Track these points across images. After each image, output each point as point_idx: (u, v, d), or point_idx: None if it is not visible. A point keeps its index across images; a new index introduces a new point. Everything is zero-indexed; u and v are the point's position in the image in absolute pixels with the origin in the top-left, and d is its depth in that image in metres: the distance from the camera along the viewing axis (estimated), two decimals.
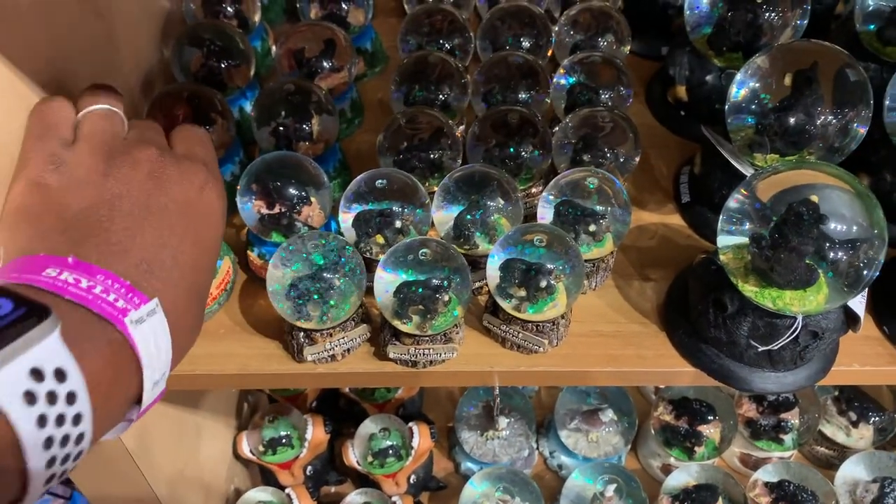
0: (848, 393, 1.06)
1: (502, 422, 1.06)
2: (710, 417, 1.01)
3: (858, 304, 0.58)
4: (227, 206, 0.49)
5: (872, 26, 0.72)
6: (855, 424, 1.05)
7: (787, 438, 1.03)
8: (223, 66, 0.73)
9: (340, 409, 1.13)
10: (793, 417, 1.03)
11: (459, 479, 1.10)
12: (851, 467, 1.02)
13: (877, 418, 1.04)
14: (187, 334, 0.44)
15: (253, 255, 0.65)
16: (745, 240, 0.57)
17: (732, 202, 0.57)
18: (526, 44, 0.77)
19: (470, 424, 1.09)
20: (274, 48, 0.83)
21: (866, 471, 1.02)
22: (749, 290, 0.56)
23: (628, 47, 0.77)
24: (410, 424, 1.00)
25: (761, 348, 0.58)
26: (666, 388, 1.06)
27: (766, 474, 1.00)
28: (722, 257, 0.57)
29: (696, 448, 1.01)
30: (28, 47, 0.49)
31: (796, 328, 0.57)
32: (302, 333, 0.60)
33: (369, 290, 0.60)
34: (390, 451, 0.98)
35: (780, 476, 0.99)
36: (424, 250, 0.59)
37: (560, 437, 1.07)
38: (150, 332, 0.38)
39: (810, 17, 0.70)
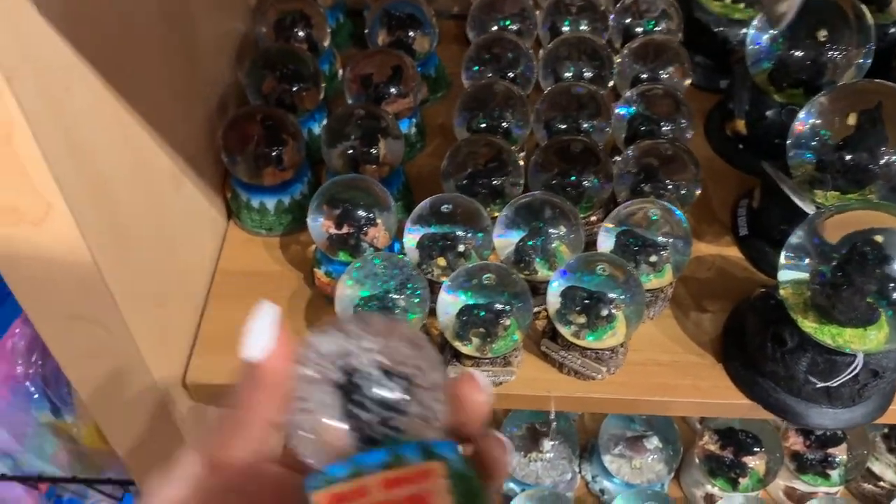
0: None
1: (546, 444, 1.07)
2: (755, 449, 1.01)
3: None
4: None
5: None
6: None
7: (834, 474, 1.02)
8: (294, 89, 0.75)
9: None
10: (840, 453, 1.02)
11: (502, 499, 1.11)
12: None
13: None
14: None
15: (320, 272, 0.67)
16: (806, 276, 0.57)
17: (794, 239, 0.57)
18: (588, 74, 0.78)
19: (514, 445, 1.10)
20: (341, 72, 0.86)
21: None
22: (809, 325, 0.57)
23: (689, 80, 0.78)
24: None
25: (820, 384, 0.59)
26: (712, 418, 1.06)
27: None
28: (782, 292, 0.58)
29: (741, 479, 1.01)
30: (118, 66, 0.51)
31: (857, 366, 0.57)
32: None
33: (432, 312, 0.62)
34: None
35: None
36: (488, 275, 0.60)
37: (603, 461, 1.07)
38: None
39: (879, 52, 0.70)
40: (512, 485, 1.09)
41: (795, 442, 1.04)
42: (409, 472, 0.30)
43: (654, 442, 1.06)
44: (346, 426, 0.30)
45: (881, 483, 1.05)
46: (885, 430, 1.06)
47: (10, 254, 0.47)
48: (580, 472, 1.12)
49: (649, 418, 1.11)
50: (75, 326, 0.53)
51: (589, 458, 1.12)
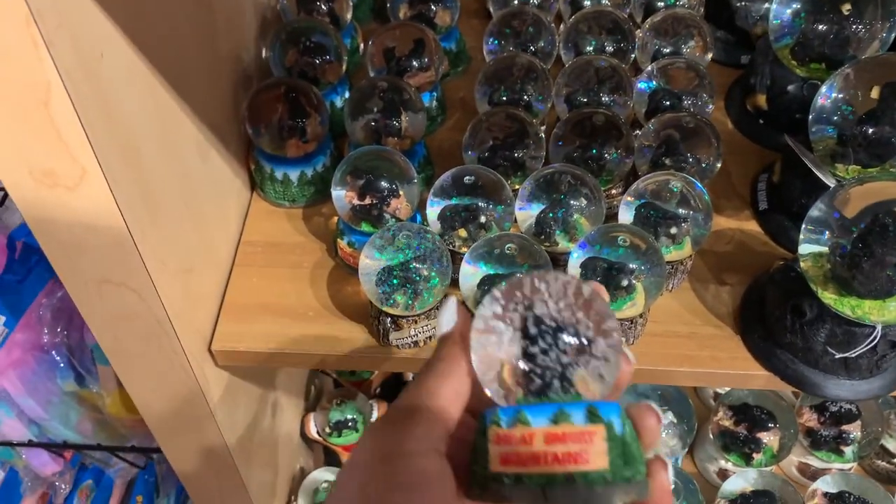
0: None
1: None
2: (769, 424, 1.02)
3: None
4: None
5: None
6: None
7: (848, 451, 1.03)
8: (317, 62, 0.76)
9: None
10: (855, 430, 1.03)
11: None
12: None
13: None
14: None
15: (343, 242, 0.68)
16: (826, 249, 0.58)
17: (815, 212, 0.58)
18: (609, 48, 0.78)
19: None
20: (362, 46, 0.87)
21: None
22: (828, 297, 0.57)
23: (710, 55, 0.78)
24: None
25: (838, 355, 0.59)
26: (726, 394, 1.07)
27: (826, 485, 1.00)
28: (802, 264, 0.58)
29: (755, 454, 1.01)
30: (149, 35, 0.52)
31: (875, 337, 0.57)
32: (389, 319, 0.63)
33: (454, 282, 0.63)
34: None
35: (841, 487, 0.99)
36: (510, 245, 0.61)
37: None
38: None
39: None
40: None
41: (809, 418, 1.05)
42: (572, 430, 0.32)
43: (668, 417, 1.07)
44: (525, 367, 0.34)
45: (895, 460, 1.06)
46: None
47: (46, 217, 0.48)
48: None
49: (664, 394, 1.11)
50: (106, 290, 0.54)
51: None
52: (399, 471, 0.33)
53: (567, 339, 0.34)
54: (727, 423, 1.04)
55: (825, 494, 0.99)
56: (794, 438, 1.01)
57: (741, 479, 1.02)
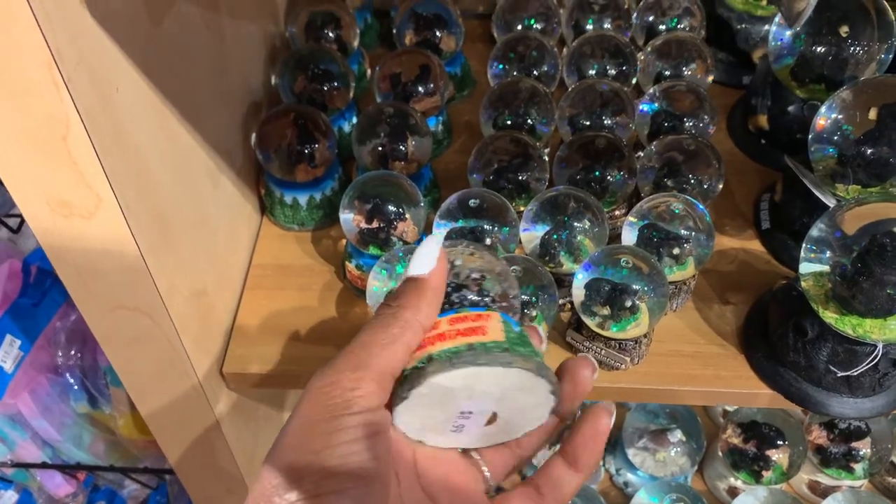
0: None
1: None
2: (778, 442, 1.02)
3: None
4: None
5: None
6: None
7: (858, 468, 1.03)
8: (325, 88, 0.78)
9: None
10: (864, 447, 1.03)
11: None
12: None
13: None
14: None
15: (351, 265, 0.69)
16: (827, 268, 0.58)
17: (815, 231, 0.59)
18: (611, 71, 0.80)
19: None
20: (369, 72, 0.88)
21: None
22: (829, 316, 0.58)
23: (712, 77, 0.79)
24: None
25: (840, 374, 0.60)
26: (735, 412, 1.07)
27: (835, 502, 1.00)
28: (803, 284, 0.59)
29: (764, 472, 1.02)
30: (162, 67, 0.54)
31: (876, 355, 0.58)
32: None
33: None
34: None
35: None
36: (514, 267, 0.62)
37: (627, 454, 1.09)
38: None
39: None
40: None
41: (819, 436, 1.05)
42: (471, 314, 0.39)
43: (677, 435, 1.07)
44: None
45: None
46: None
47: (62, 245, 0.50)
48: (604, 464, 1.14)
49: (673, 412, 1.12)
50: (121, 316, 0.55)
51: (613, 451, 1.13)
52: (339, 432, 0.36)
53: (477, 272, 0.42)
54: (736, 441, 1.04)
55: None
56: (803, 456, 1.01)
57: (751, 497, 1.02)
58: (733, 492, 1.06)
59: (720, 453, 1.04)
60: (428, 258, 0.39)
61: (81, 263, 0.51)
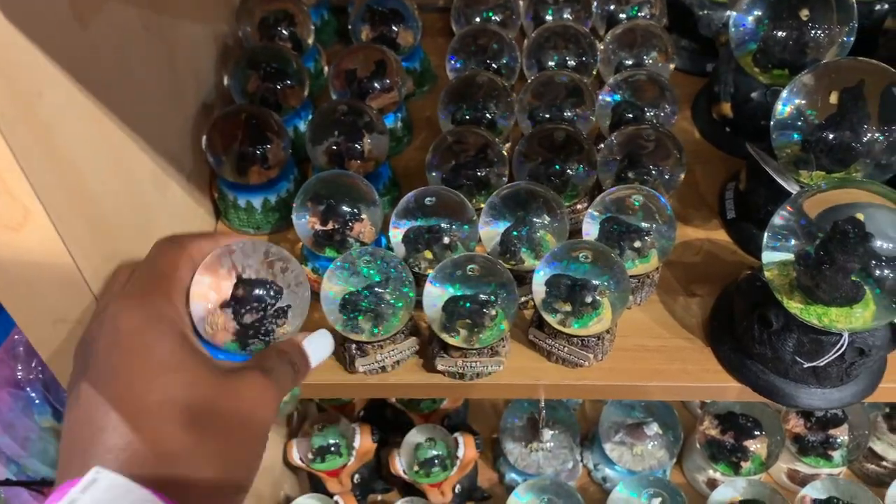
0: None
1: (547, 434, 1.07)
2: (756, 432, 1.01)
3: None
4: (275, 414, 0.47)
5: None
6: None
7: (836, 455, 1.02)
8: (279, 87, 0.76)
9: (387, 419, 1.15)
10: (842, 434, 1.02)
11: (504, 489, 1.11)
12: None
13: None
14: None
15: (307, 269, 0.67)
16: (791, 256, 0.57)
17: (777, 219, 0.57)
18: (571, 62, 0.78)
19: (514, 436, 1.10)
20: (326, 69, 0.86)
21: None
22: (794, 306, 0.57)
23: (673, 65, 0.78)
24: (456, 435, 1.01)
25: (807, 364, 0.59)
26: (712, 403, 1.06)
27: (814, 491, 0.99)
28: (767, 274, 0.58)
29: (743, 463, 1.01)
30: (93, 70, 0.52)
31: (842, 345, 0.57)
32: (354, 346, 0.62)
33: (418, 304, 0.62)
34: (436, 461, 1.00)
35: (829, 493, 0.98)
36: (472, 266, 0.60)
37: (604, 449, 1.07)
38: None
39: (860, 31, 0.70)
40: (514, 475, 1.10)
41: (796, 424, 1.04)
42: None
43: (654, 428, 1.06)
44: (231, 316, 0.47)
45: (884, 463, 1.05)
46: (887, 410, 1.06)
47: None
48: (582, 460, 1.12)
49: (649, 405, 1.11)
50: (61, 329, 0.53)
51: (590, 446, 1.12)
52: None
53: (260, 292, 0.47)
54: (714, 433, 1.03)
55: (814, 500, 0.98)
56: (781, 445, 1.00)
57: (730, 489, 1.01)
58: (713, 484, 1.05)
59: (698, 445, 1.03)
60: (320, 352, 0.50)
61: (14, 276, 0.49)
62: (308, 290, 0.50)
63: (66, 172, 0.48)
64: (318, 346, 0.50)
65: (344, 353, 0.63)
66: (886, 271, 0.54)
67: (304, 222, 0.66)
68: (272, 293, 0.48)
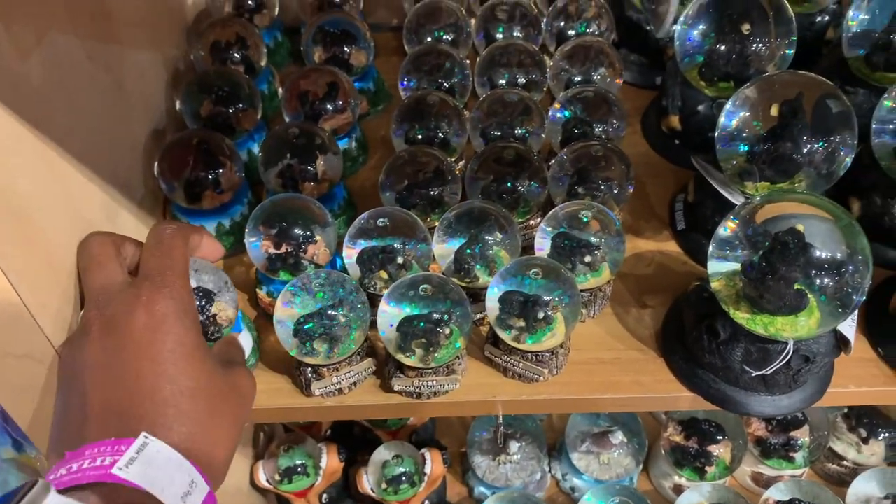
0: (857, 409, 1.07)
1: (513, 446, 1.08)
2: (719, 437, 1.02)
3: (849, 327, 0.59)
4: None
5: (860, 52, 0.74)
6: (865, 441, 1.05)
7: (798, 456, 1.04)
8: (231, 110, 0.76)
9: (354, 437, 1.14)
10: (802, 435, 1.04)
11: (473, 503, 1.12)
12: (864, 484, 1.02)
13: (887, 434, 1.05)
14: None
15: (262, 293, 0.67)
16: (735, 266, 0.58)
17: (721, 232, 0.58)
18: (522, 80, 0.79)
19: (482, 449, 1.10)
20: (280, 90, 0.86)
21: (879, 487, 1.02)
22: (741, 317, 0.58)
23: (621, 80, 0.79)
24: (423, 451, 1.01)
25: (755, 373, 0.60)
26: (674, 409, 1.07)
27: (777, 493, 1.00)
28: (713, 284, 0.59)
29: (707, 468, 1.02)
30: (46, 109, 0.52)
31: (788, 353, 0.58)
32: (309, 369, 0.62)
33: (374, 324, 0.63)
34: (403, 478, 1.00)
35: (792, 494, 1.00)
36: (425, 286, 0.61)
37: (571, 459, 1.08)
38: (146, 464, 0.39)
39: (803, 43, 0.71)
40: (482, 488, 1.10)
41: (758, 427, 1.06)
42: None
43: (619, 437, 1.07)
44: None
45: (844, 462, 1.07)
46: (845, 410, 1.08)
47: None
48: (550, 471, 1.13)
49: (612, 413, 1.12)
50: (9, 364, 0.53)
51: (558, 456, 1.13)
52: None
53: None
54: (678, 439, 1.04)
55: (777, 502, 0.99)
56: (744, 449, 1.02)
57: (696, 494, 1.02)
58: (679, 489, 1.06)
59: (663, 452, 1.04)
60: None
61: None
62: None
63: (8, 206, 0.48)
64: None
65: (300, 376, 0.63)
66: (826, 280, 0.55)
67: (258, 246, 0.66)
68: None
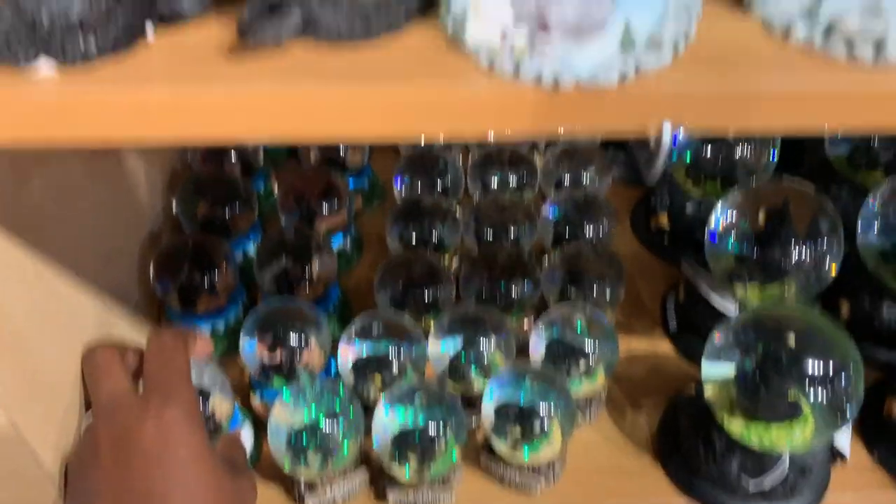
0: None
1: None
2: None
3: (844, 438, 0.59)
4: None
5: (843, 151, 0.76)
6: None
7: None
8: (227, 212, 0.77)
9: None
10: None
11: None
12: None
13: None
14: None
15: (256, 399, 0.67)
16: (729, 376, 0.58)
17: (714, 341, 0.59)
18: (514, 180, 0.81)
19: None
20: (276, 188, 0.88)
21: None
22: (735, 430, 0.58)
23: (609, 180, 0.81)
24: None
25: (752, 490, 0.59)
26: None
27: None
28: (707, 395, 0.59)
29: None
30: (43, 228, 0.52)
31: (784, 465, 0.58)
32: (303, 481, 0.61)
33: (368, 430, 0.62)
34: None
35: None
36: (420, 395, 0.60)
37: None
38: None
39: (788, 141, 0.73)
40: None
41: None
42: None
43: None
44: None
45: None
46: None
47: None
48: None
49: None
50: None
51: None
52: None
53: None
54: None
55: None
56: None
57: None
58: None
59: None
60: None
61: None
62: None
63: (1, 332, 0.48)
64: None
65: (293, 488, 0.62)
66: (818, 390, 0.55)
67: (251, 353, 0.65)
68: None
